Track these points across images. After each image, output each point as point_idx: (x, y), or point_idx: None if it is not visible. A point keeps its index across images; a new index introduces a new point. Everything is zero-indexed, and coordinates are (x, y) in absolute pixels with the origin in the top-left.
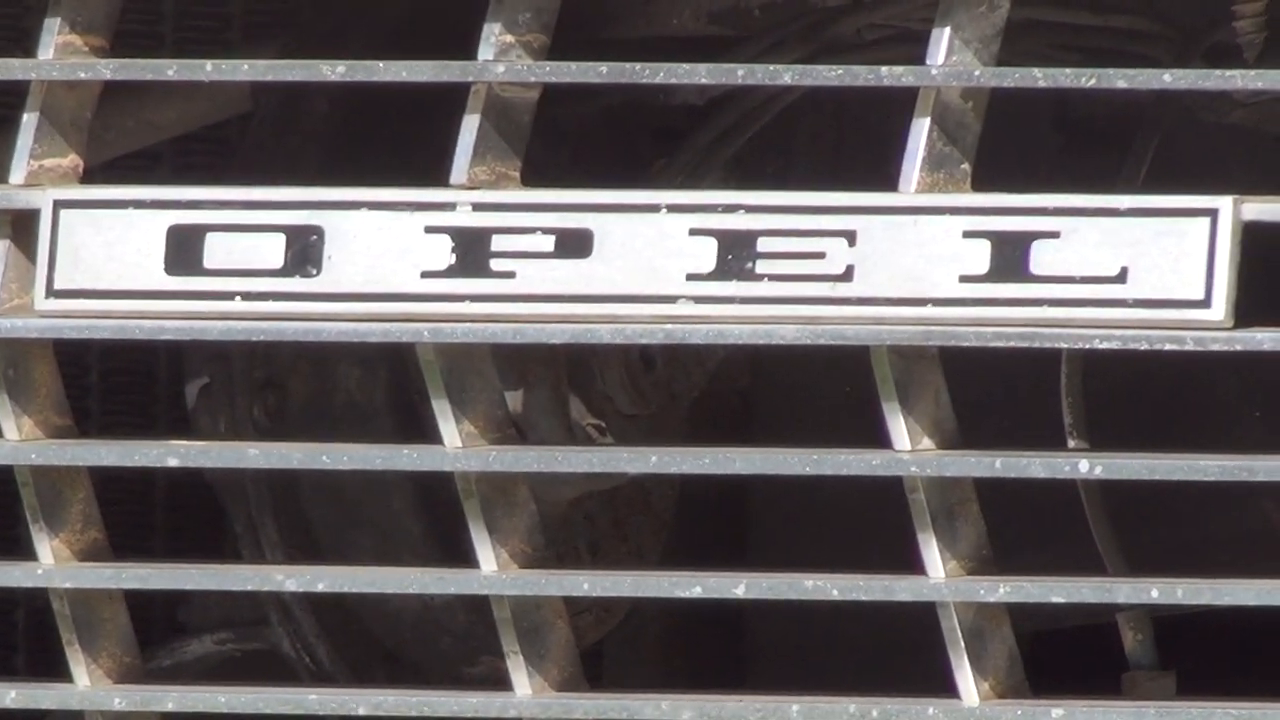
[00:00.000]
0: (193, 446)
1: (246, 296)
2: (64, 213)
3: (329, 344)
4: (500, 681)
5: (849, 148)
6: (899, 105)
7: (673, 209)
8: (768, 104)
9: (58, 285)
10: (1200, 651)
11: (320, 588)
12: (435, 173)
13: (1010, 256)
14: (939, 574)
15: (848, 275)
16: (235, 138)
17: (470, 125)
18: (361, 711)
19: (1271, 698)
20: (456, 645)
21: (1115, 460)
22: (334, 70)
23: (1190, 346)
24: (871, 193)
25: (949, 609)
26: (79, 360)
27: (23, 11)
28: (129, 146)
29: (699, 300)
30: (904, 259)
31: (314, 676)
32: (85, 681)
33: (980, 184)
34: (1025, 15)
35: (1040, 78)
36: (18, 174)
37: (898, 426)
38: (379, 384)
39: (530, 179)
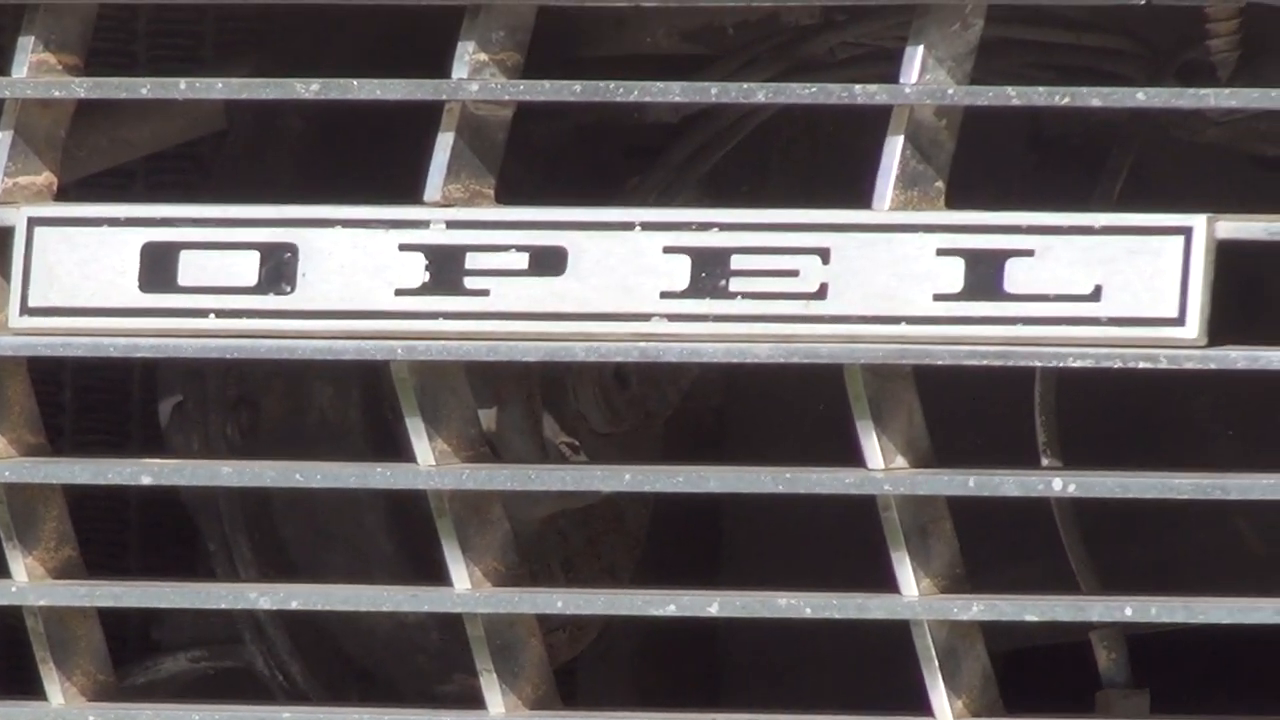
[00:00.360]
0: (166, 464)
1: (220, 314)
2: (38, 230)
3: (303, 362)
4: (474, 699)
5: (822, 165)
6: (872, 123)
7: (646, 227)
8: (741, 122)
9: (32, 303)
10: (1174, 669)
11: (294, 606)
12: (409, 191)
13: (984, 275)
14: (912, 592)
15: (821, 293)
16: (209, 156)
17: (444, 143)
18: None
19: (1245, 715)
20: (430, 663)
21: (1088, 478)
22: (308, 88)
23: (1164, 365)
24: (845, 210)
25: (922, 627)
26: (53, 378)
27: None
28: (103, 164)
29: (673, 318)
30: (878, 277)
31: (288, 694)
32: (59, 699)
33: (954, 202)
34: (998, 33)
35: (1014, 96)
36: None
37: (871, 445)
38: (352, 402)
39: (504, 197)
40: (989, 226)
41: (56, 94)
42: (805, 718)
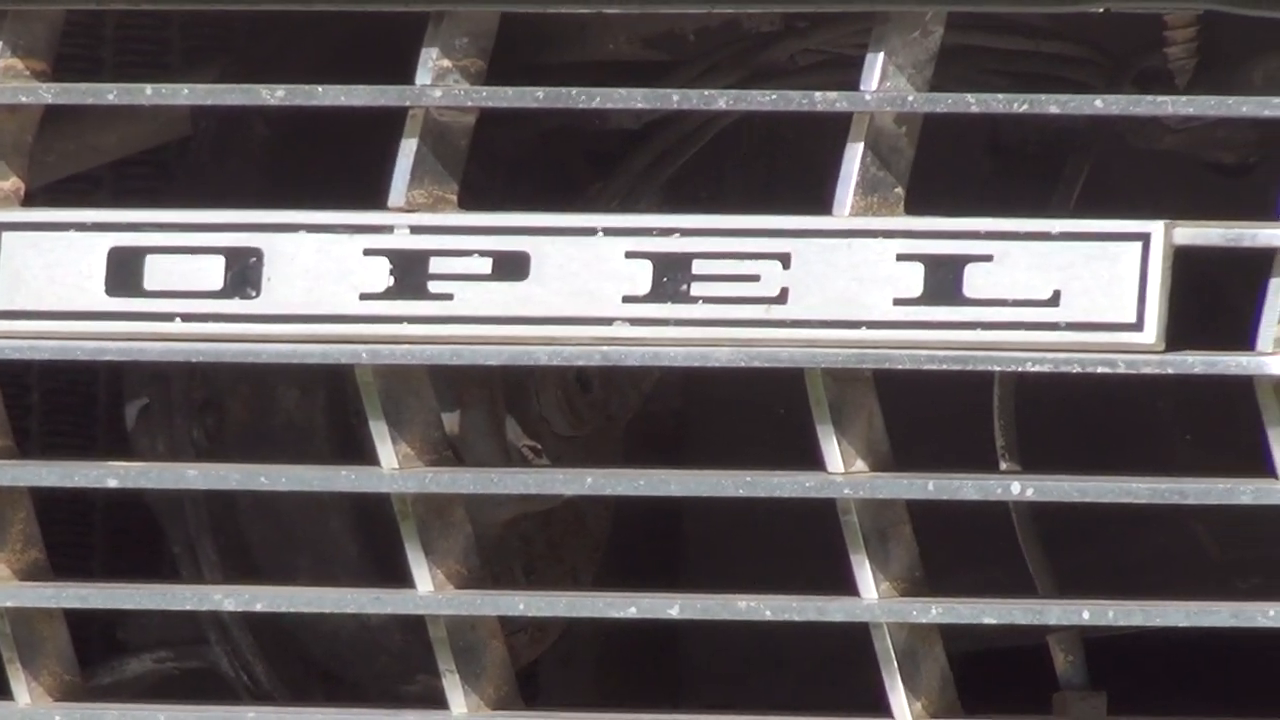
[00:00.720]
0: (132, 467)
1: (186, 318)
2: (5, 235)
3: (268, 365)
4: (437, 700)
5: (783, 171)
6: (833, 129)
7: (609, 232)
8: (703, 128)
9: (0, 306)
10: (1132, 672)
11: (258, 607)
12: (374, 196)
13: (943, 279)
14: (872, 595)
15: (782, 298)
16: (175, 161)
17: (408, 149)
18: None
19: (1201, 715)
20: (393, 664)
21: (1046, 483)
22: (273, 94)
23: (1122, 369)
24: (806, 216)
25: (882, 630)
26: (20, 380)
27: None
28: (70, 170)
29: (634, 322)
30: (838, 282)
31: (252, 695)
32: (26, 699)
33: (913, 208)
34: (958, 40)
35: (973, 103)
36: None
37: (831, 448)
38: (317, 405)
39: (467, 202)
40: (948, 232)
41: (24, 100)
42: (766, 718)
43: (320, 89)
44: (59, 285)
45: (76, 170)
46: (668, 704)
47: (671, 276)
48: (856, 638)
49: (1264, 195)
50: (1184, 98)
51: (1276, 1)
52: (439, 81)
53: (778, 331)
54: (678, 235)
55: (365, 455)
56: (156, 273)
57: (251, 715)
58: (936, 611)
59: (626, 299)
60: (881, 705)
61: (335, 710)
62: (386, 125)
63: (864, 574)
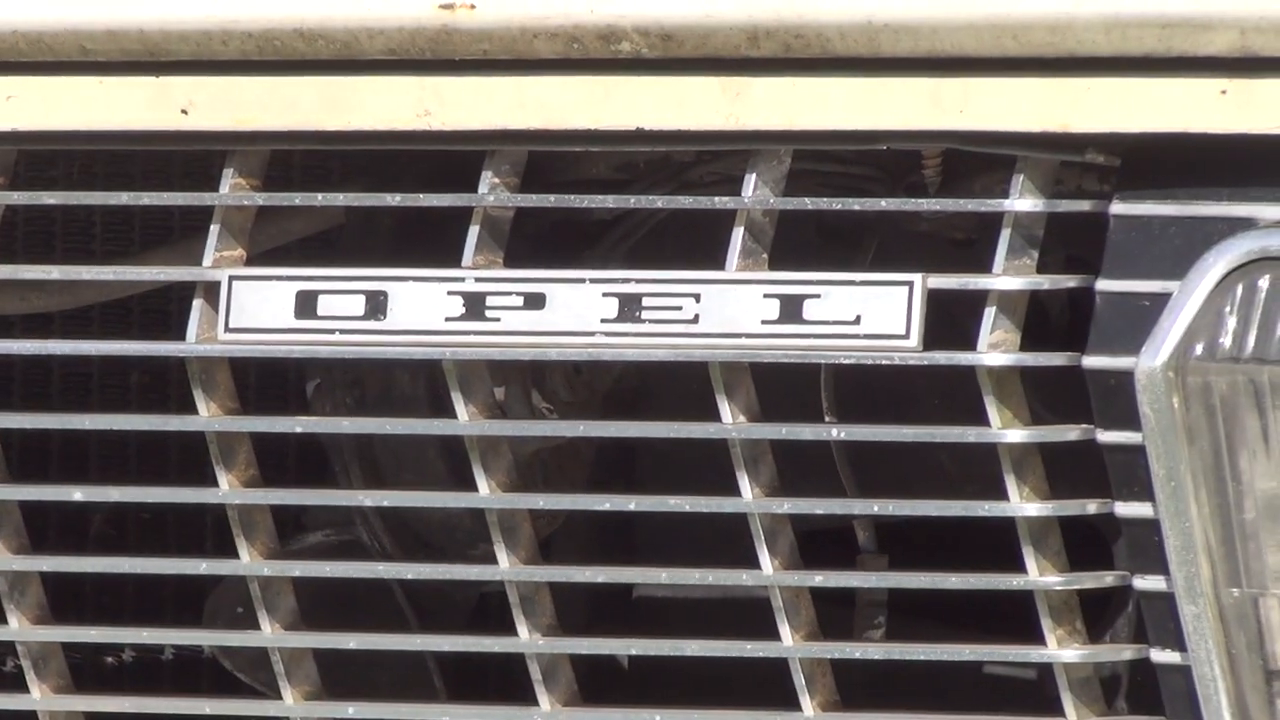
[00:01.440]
0: (310, 421)
1: (342, 332)
2: (235, 283)
3: (390, 360)
4: (490, 559)
5: (698, 244)
6: (727, 219)
7: (593, 280)
8: (650, 218)
9: (230, 325)
10: (907, 542)
11: (385, 503)
12: (453, 257)
13: (791, 309)
14: (749, 497)
15: (695, 320)
16: (335, 238)
17: (474, 231)
18: (409, 576)
19: (951, 570)
20: (466, 537)
21: (853, 428)
22: (394, 199)
23: (897, 362)
24: (710, 271)
25: (755, 517)
26: (243, 369)
27: (211, 164)
28: (272, 244)
29: (608, 334)
30: (729, 310)
31: (380, 556)
32: (247, 558)
33: (774, 265)
34: (800, 165)
35: (809, 203)
36: (208, 260)
37: (724, 408)
38: (420, 384)
39: (509, 263)
40: (794, 280)
41: (245, 202)
42: (661, 569)
43: (421, 196)
44: (266, 312)
45: (276, 245)
46: (628, 562)
47: (630, 307)
48: (738, 524)
49: (981, 258)
50: (935, 200)
51: (989, 142)
52: (492, 191)
53: (693, 340)
54: (633, 282)
55: (448, 413)
56: (325, 305)
57: (381, 568)
58: (788, 505)
59: (603, 320)
60: (753, 562)
61: (430, 566)
62: (462, 216)
63: (744, 483)
